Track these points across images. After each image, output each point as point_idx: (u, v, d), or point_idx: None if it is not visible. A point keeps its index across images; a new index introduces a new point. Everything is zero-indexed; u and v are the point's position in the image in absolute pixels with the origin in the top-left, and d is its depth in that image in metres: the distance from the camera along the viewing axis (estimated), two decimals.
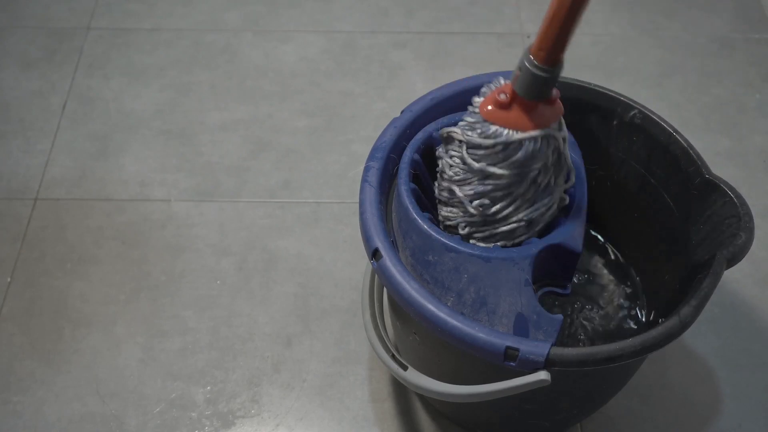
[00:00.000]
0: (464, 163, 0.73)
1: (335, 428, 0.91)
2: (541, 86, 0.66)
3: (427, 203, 0.82)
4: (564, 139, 0.73)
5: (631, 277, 0.90)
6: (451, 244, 0.73)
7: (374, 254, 0.73)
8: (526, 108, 0.68)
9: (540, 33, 0.64)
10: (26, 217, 1.08)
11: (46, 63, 1.26)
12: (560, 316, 0.71)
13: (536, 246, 0.74)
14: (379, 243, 0.73)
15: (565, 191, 0.79)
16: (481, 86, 0.84)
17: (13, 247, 1.05)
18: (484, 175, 0.72)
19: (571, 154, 0.81)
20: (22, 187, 1.12)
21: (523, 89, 0.66)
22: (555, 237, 0.75)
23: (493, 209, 0.74)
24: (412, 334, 0.79)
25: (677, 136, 0.80)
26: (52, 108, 1.21)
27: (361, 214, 0.76)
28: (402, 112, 0.83)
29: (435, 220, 0.80)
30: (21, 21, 1.32)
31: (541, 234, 0.78)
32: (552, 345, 0.67)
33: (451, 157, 0.75)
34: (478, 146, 0.71)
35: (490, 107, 0.70)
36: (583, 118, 0.86)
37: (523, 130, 0.69)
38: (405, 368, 0.77)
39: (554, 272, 0.78)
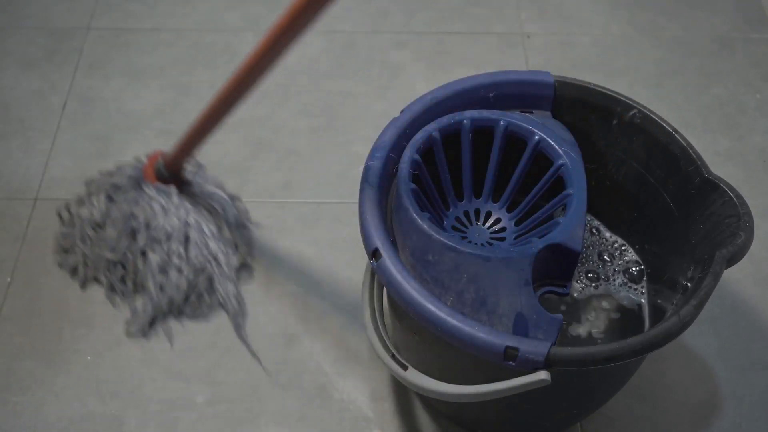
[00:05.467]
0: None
1: (335, 428, 0.91)
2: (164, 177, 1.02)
3: (427, 203, 0.82)
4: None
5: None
6: (451, 243, 0.73)
7: (374, 254, 0.73)
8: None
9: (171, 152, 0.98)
10: (26, 217, 1.08)
11: (46, 63, 1.26)
12: (560, 316, 0.71)
13: (536, 246, 0.74)
14: (379, 243, 0.73)
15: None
16: (480, 86, 0.85)
17: (13, 247, 1.05)
18: None
19: (571, 153, 0.81)
20: (22, 187, 1.12)
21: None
22: (555, 237, 0.75)
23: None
24: (412, 334, 0.80)
25: (677, 135, 0.81)
26: (52, 108, 1.21)
27: (361, 214, 0.76)
28: (402, 112, 0.83)
29: (435, 220, 0.80)
30: (21, 21, 1.32)
31: (541, 234, 0.78)
32: (552, 344, 0.67)
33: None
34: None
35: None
36: (583, 118, 0.86)
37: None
38: (405, 368, 0.77)
39: (554, 272, 0.78)
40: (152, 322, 0.97)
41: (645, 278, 0.89)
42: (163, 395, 0.93)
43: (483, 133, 0.84)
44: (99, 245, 0.99)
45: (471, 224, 0.86)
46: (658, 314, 0.84)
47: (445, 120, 0.83)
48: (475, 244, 0.83)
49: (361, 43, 1.31)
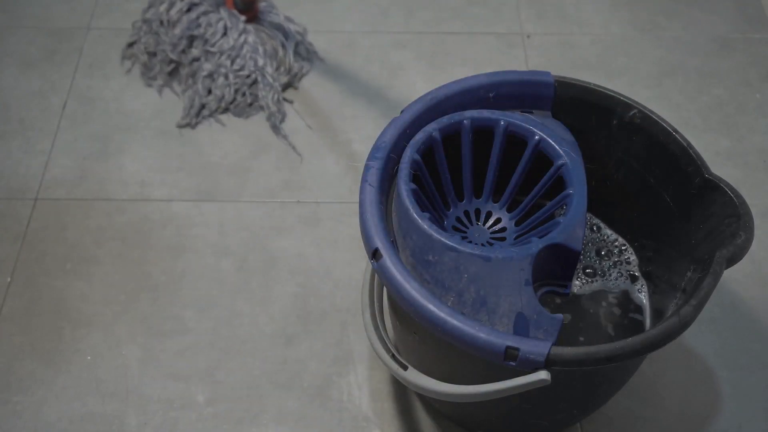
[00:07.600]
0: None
1: (335, 428, 0.91)
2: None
3: (427, 203, 0.82)
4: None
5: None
6: (452, 243, 0.73)
7: (374, 254, 0.73)
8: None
9: None
10: (26, 217, 1.08)
11: (46, 63, 1.26)
12: (560, 316, 0.72)
13: (536, 246, 0.74)
14: (379, 243, 0.73)
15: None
16: (480, 86, 0.85)
17: (13, 247, 1.05)
18: None
19: (571, 153, 0.81)
20: (22, 187, 1.12)
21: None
22: (555, 237, 0.75)
23: None
24: (412, 334, 0.80)
25: (677, 135, 0.81)
26: (52, 108, 1.21)
27: (361, 214, 0.76)
28: (402, 112, 0.83)
29: (435, 220, 0.80)
30: (21, 21, 1.32)
31: (541, 234, 0.78)
32: (552, 344, 0.67)
33: None
34: None
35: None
36: (582, 118, 0.86)
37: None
38: (405, 368, 0.77)
39: (555, 272, 0.78)
40: (198, 114, 1.16)
41: (645, 278, 0.89)
42: (163, 395, 0.93)
43: (483, 133, 0.84)
44: (162, 41, 1.19)
45: (471, 224, 0.86)
46: (658, 314, 0.84)
47: (445, 120, 0.83)
48: (476, 244, 0.83)
49: (361, 43, 1.31)
